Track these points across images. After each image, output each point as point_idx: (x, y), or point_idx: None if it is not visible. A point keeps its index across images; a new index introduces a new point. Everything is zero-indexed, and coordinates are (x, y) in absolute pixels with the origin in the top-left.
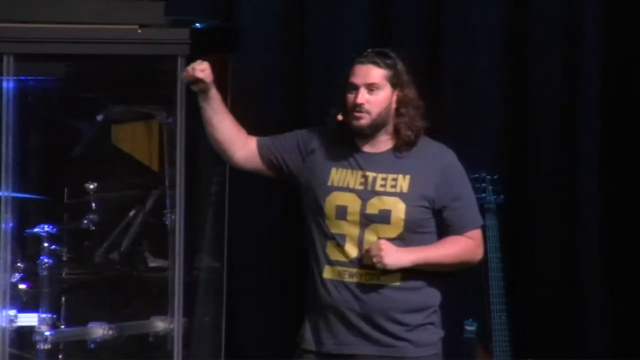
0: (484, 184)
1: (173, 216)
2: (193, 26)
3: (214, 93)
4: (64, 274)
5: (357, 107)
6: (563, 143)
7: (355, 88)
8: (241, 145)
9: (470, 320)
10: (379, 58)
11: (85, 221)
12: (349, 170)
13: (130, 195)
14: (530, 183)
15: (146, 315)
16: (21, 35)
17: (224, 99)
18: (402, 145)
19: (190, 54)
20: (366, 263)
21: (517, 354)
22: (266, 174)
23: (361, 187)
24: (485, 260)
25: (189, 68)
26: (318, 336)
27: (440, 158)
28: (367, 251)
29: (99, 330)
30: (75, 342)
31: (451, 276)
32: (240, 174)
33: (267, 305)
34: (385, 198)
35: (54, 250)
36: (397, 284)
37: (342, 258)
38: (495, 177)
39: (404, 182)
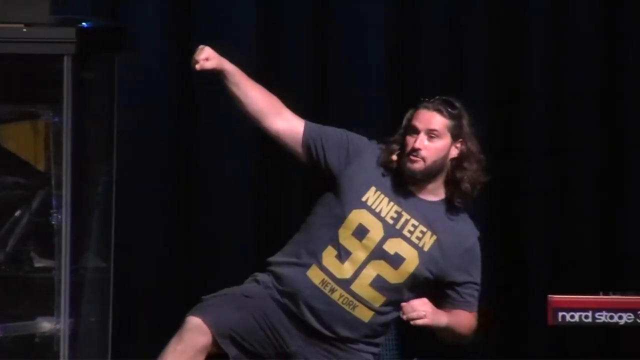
0: None
1: (59, 216)
2: (79, 25)
3: (229, 69)
4: None
5: (415, 151)
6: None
7: (416, 132)
8: (276, 116)
9: None
10: (444, 106)
11: None
12: (387, 199)
13: (16, 194)
14: None
15: (32, 316)
16: None
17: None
18: (457, 197)
19: (77, 53)
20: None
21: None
22: (297, 155)
23: (391, 222)
24: None
25: (194, 61)
26: (275, 311)
27: (469, 239)
28: (413, 307)
29: None
30: None
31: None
32: (128, 173)
33: (157, 306)
34: (406, 245)
35: None
36: (366, 321)
37: (333, 270)
38: None
39: (428, 240)
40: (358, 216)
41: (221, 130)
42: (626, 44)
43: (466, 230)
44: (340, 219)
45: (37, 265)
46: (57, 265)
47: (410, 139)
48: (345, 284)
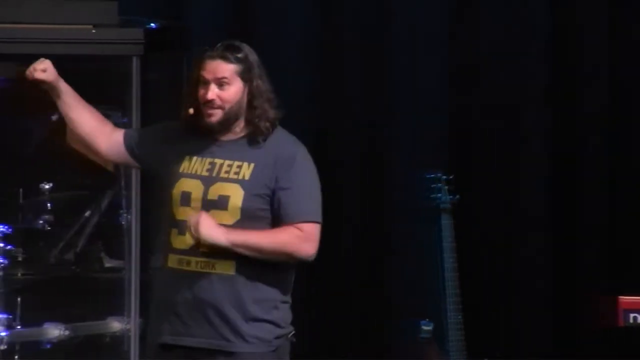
0: (439, 184)
1: (128, 216)
2: (147, 26)
3: (63, 88)
4: (19, 274)
5: (209, 102)
6: (513, 143)
7: (207, 83)
8: (106, 137)
9: (426, 320)
10: (229, 52)
11: (41, 221)
12: (200, 158)
13: (85, 195)
14: (484, 183)
15: (102, 316)
16: None
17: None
18: (256, 134)
19: (144, 53)
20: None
21: (472, 354)
22: (132, 165)
23: (207, 174)
24: (441, 260)
25: (30, 68)
26: (158, 326)
27: (285, 149)
28: (188, 219)
29: (54, 331)
30: (31, 343)
31: (289, 271)
32: None
33: None
34: (226, 184)
35: (9, 250)
36: (232, 273)
37: (182, 246)
38: (451, 177)
39: (247, 170)
40: (178, 187)
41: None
42: None
43: (283, 141)
44: (169, 200)
45: (106, 265)
46: (126, 265)
47: (202, 91)
48: (193, 250)
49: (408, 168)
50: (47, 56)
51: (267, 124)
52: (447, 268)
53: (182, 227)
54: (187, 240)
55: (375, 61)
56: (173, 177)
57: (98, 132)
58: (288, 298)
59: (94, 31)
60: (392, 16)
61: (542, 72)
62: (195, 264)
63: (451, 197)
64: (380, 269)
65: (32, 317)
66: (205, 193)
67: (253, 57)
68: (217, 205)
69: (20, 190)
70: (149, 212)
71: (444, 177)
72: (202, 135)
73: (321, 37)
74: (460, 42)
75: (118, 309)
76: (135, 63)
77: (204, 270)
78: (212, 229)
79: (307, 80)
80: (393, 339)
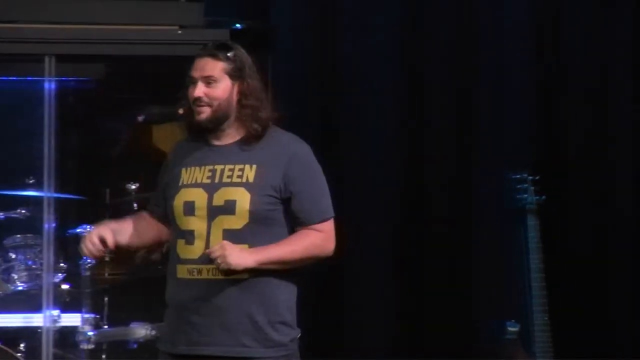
0: (525, 185)
1: None
2: (232, 26)
3: (120, 238)
4: (106, 274)
5: (197, 101)
6: (600, 143)
7: (194, 82)
8: (158, 227)
9: (512, 321)
10: (218, 50)
11: None
12: (198, 168)
13: None
14: (571, 184)
15: None
16: (63, 36)
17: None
18: (249, 136)
19: None
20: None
21: (558, 355)
22: None
23: (208, 181)
24: (527, 260)
25: (90, 250)
26: (172, 336)
27: (288, 148)
28: (210, 253)
29: (141, 331)
30: (118, 342)
31: (298, 269)
32: None
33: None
34: (231, 189)
35: None
36: (245, 277)
37: (191, 256)
38: (537, 177)
39: (250, 172)
40: (180, 198)
41: (365, 128)
42: None
43: (284, 140)
44: (173, 214)
45: None
46: None
47: (191, 90)
48: (204, 259)
49: (494, 169)
50: (132, 57)
51: (256, 125)
52: (533, 269)
53: (188, 237)
54: (197, 250)
55: (464, 61)
56: (173, 191)
57: (155, 234)
58: (295, 298)
59: (179, 32)
60: (479, 16)
61: (628, 72)
62: (207, 271)
63: (537, 197)
64: (466, 269)
65: (119, 317)
66: (210, 200)
67: (245, 57)
68: (224, 210)
69: (107, 190)
70: None
71: (530, 177)
72: (199, 144)
73: (405, 36)
74: (547, 44)
75: None
76: None
77: (217, 277)
78: (240, 256)
79: (392, 79)
80: (479, 339)
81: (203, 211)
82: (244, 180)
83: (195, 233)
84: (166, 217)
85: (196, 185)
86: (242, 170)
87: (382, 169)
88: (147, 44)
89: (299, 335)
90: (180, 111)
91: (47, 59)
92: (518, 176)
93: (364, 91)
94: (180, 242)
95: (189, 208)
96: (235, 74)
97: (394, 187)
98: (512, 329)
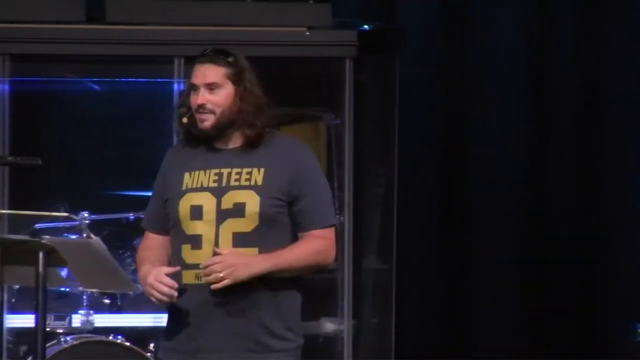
0: None
1: (342, 217)
2: (360, 28)
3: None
4: None
5: (200, 108)
6: None
7: (196, 89)
8: (166, 244)
9: None
10: (218, 56)
11: None
12: (202, 171)
13: None
14: None
15: (316, 317)
16: (192, 38)
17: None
18: (250, 141)
19: (358, 55)
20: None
21: None
22: None
23: (215, 185)
24: None
25: (163, 298)
26: (179, 340)
27: (294, 152)
28: (207, 272)
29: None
30: None
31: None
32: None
33: (430, 305)
34: (240, 192)
35: None
36: (254, 281)
37: (197, 260)
38: None
39: (258, 176)
40: (185, 203)
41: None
42: None
43: (290, 144)
44: (177, 218)
45: None
46: (339, 266)
47: (193, 97)
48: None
49: (624, 169)
50: (260, 58)
51: (249, 131)
52: None
53: (195, 242)
54: (206, 255)
55: (590, 61)
56: (176, 196)
57: (168, 249)
58: (300, 305)
59: (307, 33)
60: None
61: None
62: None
63: None
64: (597, 270)
65: None
66: (219, 204)
67: (243, 62)
68: (234, 213)
69: None
70: (360, 213)
71: None
72: (200, 148)
73: (531, 37)
74: None
75: (331, 310)
76: (348, 65)
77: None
78: (246, 267)
79: (519, 78)
80: (608, 340)
81: (211, 215)
82: (253, 183)
83: (203, 238)
84: (167, 229)
85: (202, 189)
86: (249, 173)
87: (508, 174)
88: (275, 45)
89: (303, 342)
90: (184, 120)
91: (176, 61)
92: None
93: (489, 89)
94: (186, 248)
95: (196, 212)
96: (237, 79)
97: (521, 191)
98: None
